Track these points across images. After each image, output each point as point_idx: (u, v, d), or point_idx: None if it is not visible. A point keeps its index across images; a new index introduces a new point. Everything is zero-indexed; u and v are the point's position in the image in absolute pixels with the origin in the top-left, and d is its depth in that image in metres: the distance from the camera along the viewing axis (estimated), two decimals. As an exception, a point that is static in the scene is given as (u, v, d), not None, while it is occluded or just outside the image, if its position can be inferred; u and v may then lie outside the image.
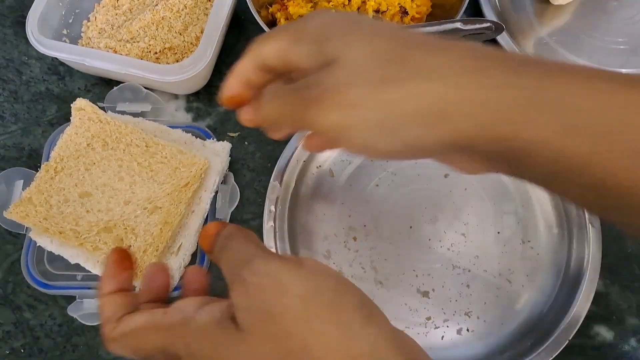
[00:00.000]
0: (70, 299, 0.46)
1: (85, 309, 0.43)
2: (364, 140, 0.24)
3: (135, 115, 0.48)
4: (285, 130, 0.29)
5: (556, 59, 0.52)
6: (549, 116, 0.21)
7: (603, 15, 0.54)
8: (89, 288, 0.43)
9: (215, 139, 0.47)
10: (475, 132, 0.22)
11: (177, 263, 0.42)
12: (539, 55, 0.52)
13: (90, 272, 0.43)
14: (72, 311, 0.42)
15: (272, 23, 0.50)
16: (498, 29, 0.42)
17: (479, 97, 0.22)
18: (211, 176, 0.45)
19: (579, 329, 0.43)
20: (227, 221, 0.45)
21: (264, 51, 0.27)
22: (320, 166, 0.48)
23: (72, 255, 0.42)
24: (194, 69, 0.45)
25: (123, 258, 0.29)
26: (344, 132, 0.24)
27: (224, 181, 0.46)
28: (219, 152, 0.46)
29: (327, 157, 0.48)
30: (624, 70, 0.52)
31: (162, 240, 0.41)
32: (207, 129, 0.48)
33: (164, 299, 0.29)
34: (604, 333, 0.44)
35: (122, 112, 0.48)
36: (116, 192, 0.42)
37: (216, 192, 0.46)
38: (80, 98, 0.45)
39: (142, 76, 0.45)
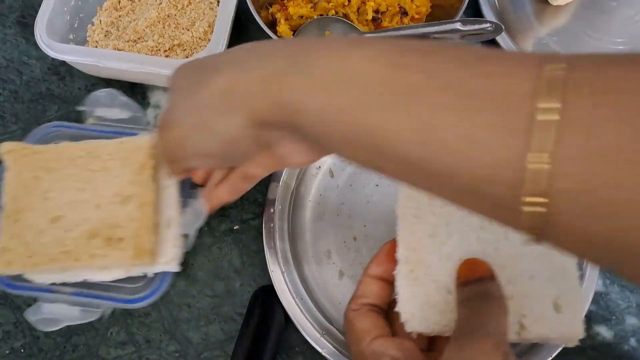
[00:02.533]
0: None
1: (44, 314, 0.42)
2: (193, 147, 0.30)
3: (113, 122, 0.48)
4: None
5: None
6: (298, 77, 0.24)
7: (602, 16, 0.54)
8: (51, 292, 0.42)
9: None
10: (265, 107, 0.25)
11: (172, 234, 0.43)
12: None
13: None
14: (30, 314, 0.41)
15: (272, 23, 0.51)
16: (497, 29, 0.43)
17: (262, 74, 0.25)
18: None
19: (578, 329, 0.43)
20: (194, 238, 0.45)
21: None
22: (319, 167, 0.48)
23: (76, 275, 0.42)
24: None
25: (394, 250, 0.30)
26: (177, 147, 0.32)
27: (193, 195, 0.46)
28: None
29: (327, 157, 0.48)
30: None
31: (147, 220, 0.41)
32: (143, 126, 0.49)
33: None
34: (604, 333, 0.44)
35: (100, 117, 0.48)
36: (84, 203, 0.42)
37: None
38: (4, 143, 0.43)
39: (157, 72, 0.45)
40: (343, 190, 0.47)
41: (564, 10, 0.55)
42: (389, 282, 0.30)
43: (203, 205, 0.43)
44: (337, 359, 0.40)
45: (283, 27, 0.49)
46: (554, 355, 0.40)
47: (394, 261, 0.30)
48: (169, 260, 0.42)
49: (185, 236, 0.44)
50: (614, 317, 0.44)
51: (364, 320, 0.29)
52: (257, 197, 0.48)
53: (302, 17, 0.50)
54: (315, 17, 0.49)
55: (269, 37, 0.53)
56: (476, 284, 0.28)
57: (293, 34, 0.50)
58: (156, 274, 0.43)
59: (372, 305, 0.30)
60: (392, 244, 0.31)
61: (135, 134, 0.47)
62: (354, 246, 0.45)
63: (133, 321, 0.45)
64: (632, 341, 0.44)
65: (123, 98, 0.48)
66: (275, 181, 0.46)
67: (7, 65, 0.54)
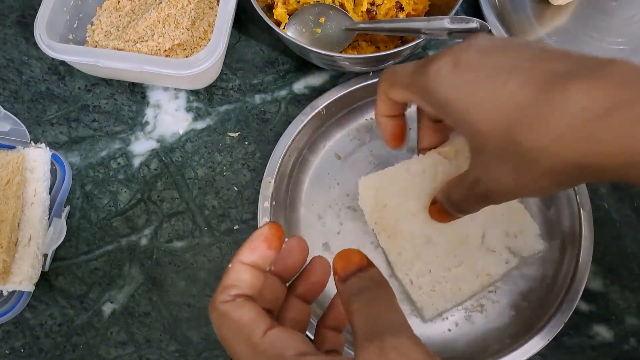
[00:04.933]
0: (74, 299, 0.46)
1: None
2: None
3: None
4: None
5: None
6: None
7: (602, 16, 0.54)
8: None
9: (32, 143, 0.48)
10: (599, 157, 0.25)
11: (31, 252, 0.43)
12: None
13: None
14: None
15: (270, 7, 0.51)
16: (482, 29, 0.43)
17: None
18: (39, 167, 0.46)
19: (578, 329, 0.43)
20: (49, 258, 0.45)
21: (395, 97, 0.34)
22: (313, 163, 0.48)
23: None
24: (210, 60, 0.45)
25: (274, 236, 0.27)
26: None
27: (58, 214, 0.46)
28: (39, 145, 0.48)
29: (319, 151, 0.49)
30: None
31: (2, 237, 0.42)
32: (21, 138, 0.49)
33: (289, 278, 0.29)
34: (604, 333, 0.44)
35: None
36: None
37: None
38: None
39: (158, 72, 0.45)
40: (338, 185, 0.47)
41: (564, 10, 0.55)
42: (262, 271, 0.27)
43: (64, 226, 0.44)
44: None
45: (280, 11, 0.50)
46: (550, 339, 0.40)
47: (272, 247, 0.27)
48: (23, 280, 0.43)
49: (45, 256, 0.44)
50: (613, 317, 0.44)
51: (247, 311, 0.25)
52: (257, 197, 0.48)
53: (299, 1, 0.50)
54: (312, 2, 0.50)
55: (267, 26, 0.53)
56: (358, 275, 0.25)
57: (288, 18, 0.50)
58: (12, 292, 0.43)
59: (246, 296, 0.26)
60: (271, 229, 0.27)
61: (12, 147, 0.47)
62: (352, 239, 0.45)
63: (133, 321, 0.45)
64: (632, 341, 0.44)
65: (2, 111, 0.48)
66: (269, 177, 0.46)
67: (7, 65, 0.54)
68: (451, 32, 0.43)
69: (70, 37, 0.51)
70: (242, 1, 0.48)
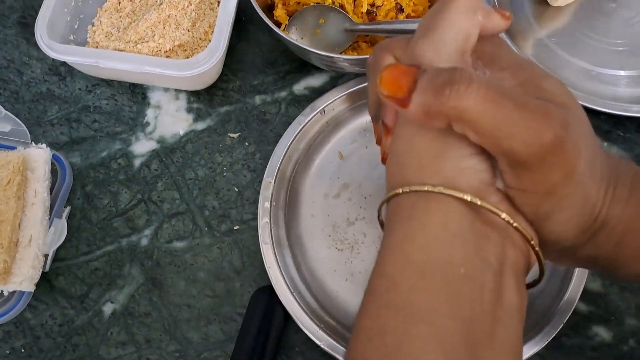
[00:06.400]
0: (74, 300, 0.46)
1: None
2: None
3: None
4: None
5: (555, 60, 0.52)
6: None
7: (602, 17, 0.54)
8: None
9: (32, 143, 0.48)
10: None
11: (32, 253, 0.43)
12: (538, 56, 0.52)
13: None
14: None
15: (270, 8, 0.51)
16: None
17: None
18: (39, 167, 0.46)
19: (578, 330, 0.44)
20: (50, 258, 0.45)
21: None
22: (313, 163, 0.48)
23: None
24: (210, 61, 0.45)
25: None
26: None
27: (59, 215, 0.46)
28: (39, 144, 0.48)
29: (319, 152, 0.49)
30: (622, 72, 0.52)
31: (2, 239, 0.42)
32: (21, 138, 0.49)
33: None
34: (603, 333, 0.44)
35: None
36: None
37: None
38: None
39: (159, 73, 0.45)
40: (336, 181, 0.47)
41: (563, 12, 0.55)
42: None
43: (64, 226, 0.44)
44: (336, 352, 0.41)
45: (280, 12, 0.50)
46: (550, 339, 0.40)
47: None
48: (24, 280, 0.43)
49: (45, 256, 0.44)
50: (613, 317, 0.44)
51: None
52: (257, 198, 0.48)
53: (299, 3, 0.50)
54: (312, 3, 0.50)
55: (267, 27, 0.53)
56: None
57: (288, 19, 0.50)
58: (13, 292, 0.44)
59: None
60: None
61: (13, 148, 0.47)
62: (352, 237, 0.45)
63: (133, 321, 0.45)
64: (632, 342, 0.44)
65: (2, 111, 0.48)
66: (269, 178, 0.46)
67: (8, 65, 0.54)
68: None
69: (71, 37, 0.51)
70: (242, 2, 0.48)
